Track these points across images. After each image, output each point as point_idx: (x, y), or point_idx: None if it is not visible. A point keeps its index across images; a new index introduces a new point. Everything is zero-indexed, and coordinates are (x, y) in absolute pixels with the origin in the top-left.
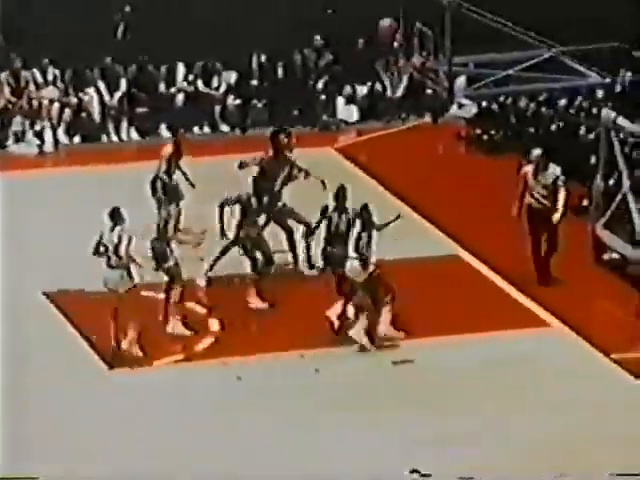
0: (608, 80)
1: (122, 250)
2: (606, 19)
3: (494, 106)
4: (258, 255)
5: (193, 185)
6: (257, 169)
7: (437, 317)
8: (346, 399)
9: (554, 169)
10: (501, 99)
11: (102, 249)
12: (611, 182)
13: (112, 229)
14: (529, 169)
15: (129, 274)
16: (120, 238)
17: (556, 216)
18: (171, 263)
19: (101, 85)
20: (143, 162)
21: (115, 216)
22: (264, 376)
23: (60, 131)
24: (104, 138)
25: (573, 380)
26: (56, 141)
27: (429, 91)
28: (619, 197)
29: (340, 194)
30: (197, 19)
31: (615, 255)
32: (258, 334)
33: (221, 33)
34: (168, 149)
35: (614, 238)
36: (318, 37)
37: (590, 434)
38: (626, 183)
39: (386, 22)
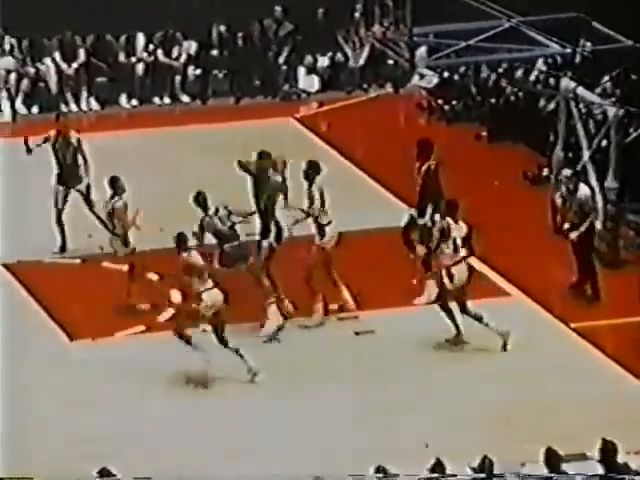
0: (568, 50)
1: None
2: None
3: (455, 76)
4: None
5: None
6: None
7: (397, 288)
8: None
9: (584, 191)
10: (462, 69)
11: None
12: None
13: (112, 197)
14: (557, 195)
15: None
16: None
17: (573, 234)
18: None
19: (57, 55)
20: (103, 132)
21: (114, 185)
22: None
23: (18, 101)
24: (63, 108)
25: (531, 349)
26: (14, 111)
27: (390, 61)
28: (579, 167)
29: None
30: None
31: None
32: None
33: (181, 3)
34: (51, 132)
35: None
36: (278, 7)
37: (545, 401)
38: (585, 153)
39: None
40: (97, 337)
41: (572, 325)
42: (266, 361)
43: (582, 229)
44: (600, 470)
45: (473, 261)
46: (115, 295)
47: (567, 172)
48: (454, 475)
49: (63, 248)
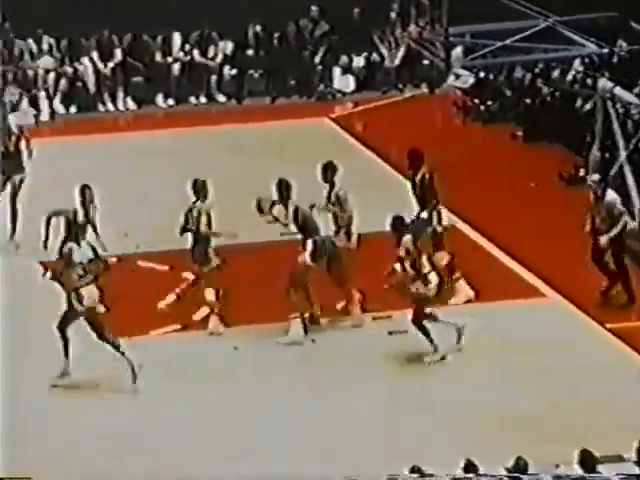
0: (605, 50)
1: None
2: None
3: (491, 76)
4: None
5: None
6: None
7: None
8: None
9: (612, 197)
10: (498, 69)
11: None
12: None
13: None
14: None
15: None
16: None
17: (603, 238)
18: None
19: (95, 55)
20: (139, 131)
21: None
22: (260, 346)
23: (56, 101)
24: (100, 107)
25: (567, 350)
26: (52, 111)
27: (426, 61)
28: (616, 168)
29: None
30: None
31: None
32: (254, 304)
33: (218, 3)
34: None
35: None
36: (315, 7)
37: (579, 402)
38: (622, 154)
39: None
40: (133, 335)
41: (608, 326)
42: (300, 360)
43: (611, 234)
44: (637, 471)
45: (508, 260)
46: (151, 294)
47: (595, 177)
48: (492, 475)
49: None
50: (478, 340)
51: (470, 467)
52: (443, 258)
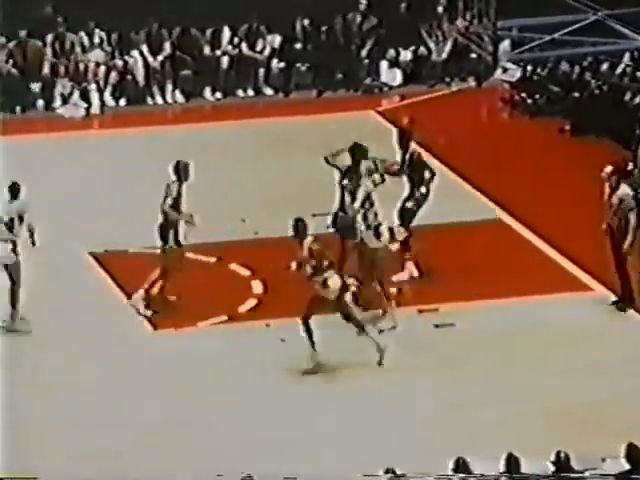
0: None
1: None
2: None
3: (538, 70)
4: None
5: None
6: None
7: (480, 281)
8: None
9: (625, 191)
10: (545, 63)
11: None
12: None
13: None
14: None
15: None
16: None
17: (625, 244)
18: None
19: (144, 48)
20: (188, 124)
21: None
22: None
23: (106, 94)
24: (149, 100)
25: (614, 344)
26: (102, 103)
27: (473, 55)
28: None
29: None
30: None
31: None
32: (301, 296)
33: None
34: None
35: None
36: (363, 1)
37: (626, 395)
38: None
39: None
40: (180, 327)
41: None
42: (346, 354)
43: (629, 238)
44: None
45: (554, 253)
46: (198, 285)
47: (608, 169)
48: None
49: None
50: (524, 332)
51: (511, 465)
52: (401, 234)
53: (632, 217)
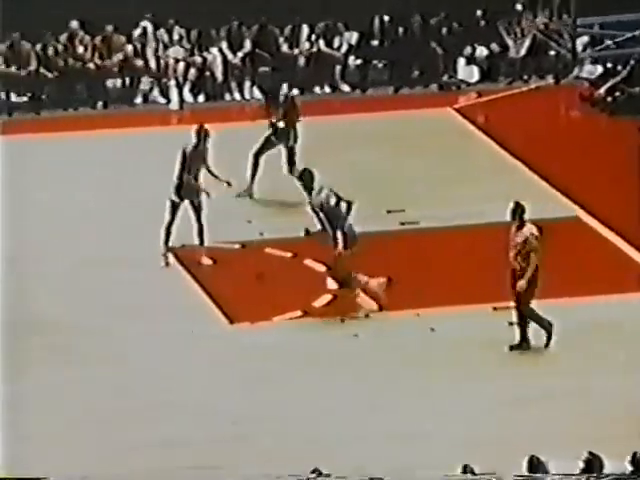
0: None
1: None
2: None
3: (618, 67)
4: None
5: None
6: None
7: (559, 279)
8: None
9: None
10: (627, 60)
11: None
12: None
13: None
14: None
15: None
16: None
17: None
18: None
19: (224, 45)
20: (265, 120)
21: None
22: (381, 334)
23: (185, 90)
24: (227, 97)
25: None
26: (181, 100)
27: (552, 52)
28: None
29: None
30: None
31: None
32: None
33: None
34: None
35: None
36: None
37: None
38: None
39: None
40: (256, 321)
41: None
42: (417, 348)
43: None
44: None
45: (631, 251)
46: (274, 280)
47: None
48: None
49: None
50: (600, 330)
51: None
52: None
53: None
